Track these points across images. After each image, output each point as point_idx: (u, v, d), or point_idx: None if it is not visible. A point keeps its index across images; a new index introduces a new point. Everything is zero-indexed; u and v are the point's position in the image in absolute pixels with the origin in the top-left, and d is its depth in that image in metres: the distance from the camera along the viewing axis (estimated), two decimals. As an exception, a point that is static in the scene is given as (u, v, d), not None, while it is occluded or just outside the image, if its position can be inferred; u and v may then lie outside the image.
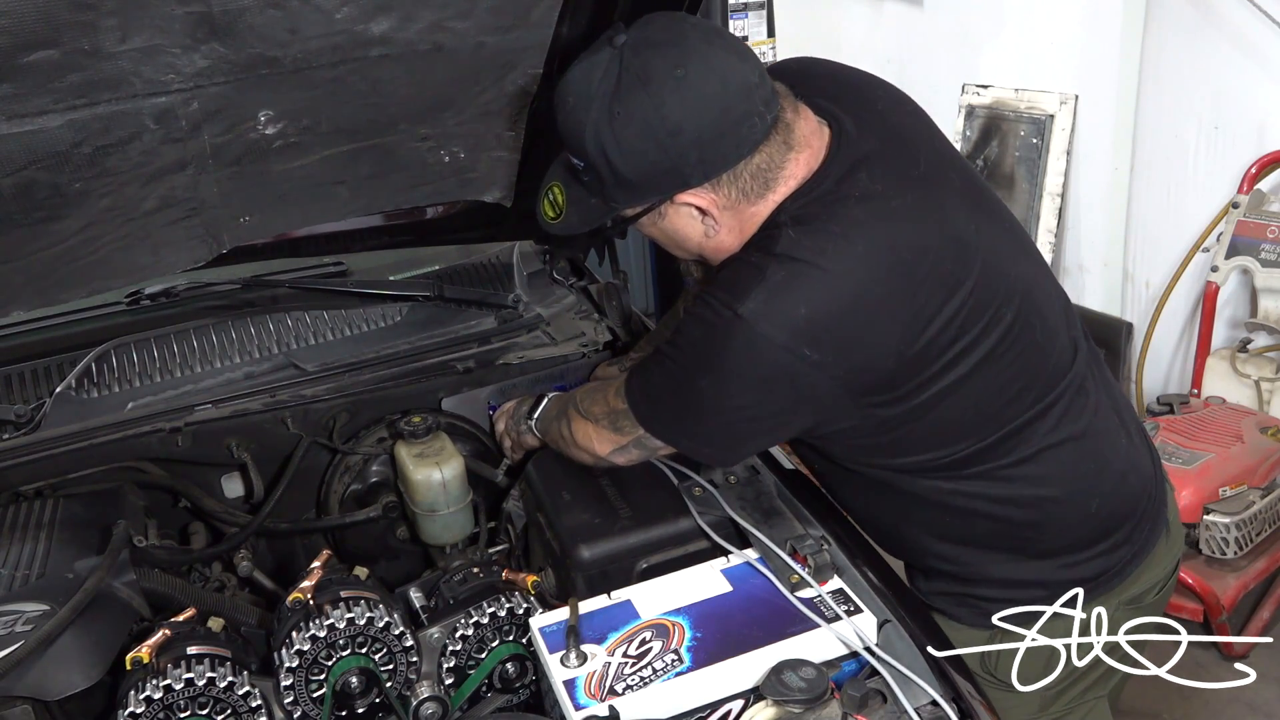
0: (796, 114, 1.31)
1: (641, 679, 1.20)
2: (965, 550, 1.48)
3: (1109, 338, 3.66)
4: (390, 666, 1.34)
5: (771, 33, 4.79)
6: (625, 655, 1.23)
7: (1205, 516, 2.80)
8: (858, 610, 1.30)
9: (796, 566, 1.34)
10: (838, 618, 1.27)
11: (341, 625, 1.30)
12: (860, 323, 1.25)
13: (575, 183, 1.35)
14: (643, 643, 1.25)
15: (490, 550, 1.76)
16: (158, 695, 1.21)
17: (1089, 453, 1.42)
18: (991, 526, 1.44)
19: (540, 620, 1.31)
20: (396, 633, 1.33)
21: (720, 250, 1.36)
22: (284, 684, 1.29)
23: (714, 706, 1.21)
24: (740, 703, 1.21)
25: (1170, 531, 1.55)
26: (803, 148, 1.29)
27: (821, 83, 1.41)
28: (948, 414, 1.32)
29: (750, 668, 1.21)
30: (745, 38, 4.74)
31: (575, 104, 1.26)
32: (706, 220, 1.32)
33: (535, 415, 1.70)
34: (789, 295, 1.24)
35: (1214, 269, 3.32)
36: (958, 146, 4.04)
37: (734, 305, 1.24)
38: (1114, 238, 3.77)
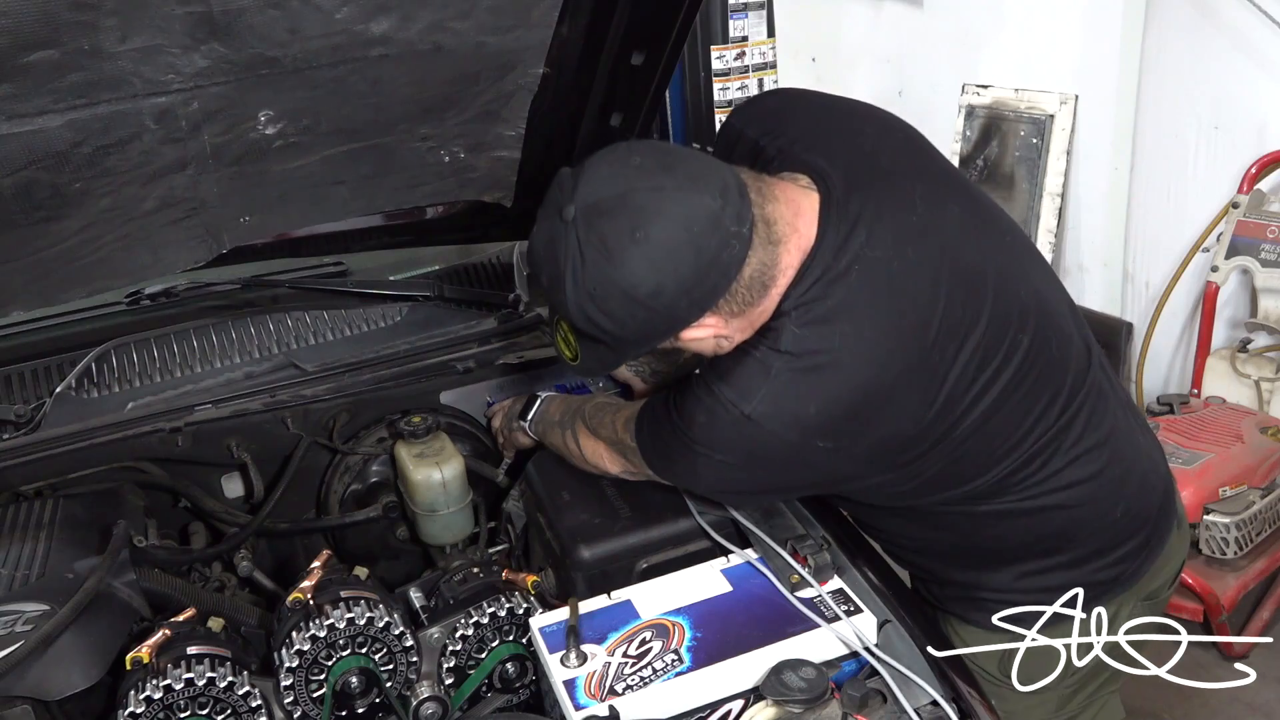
0: (774, 201, 1.24)
1: (641, 679, 1.20)
2: (992, 563, 1.47)
3: (1109, 338, 3.65)
4: (390, 666, 1.34)
5: (771, 33, 4.79)
6: (625, 655, 1.23)
7: (1205, 516, 2.80)
8: (858, 610, 1.30)
9: (797, 566, 1.34)
10: (838, 618, 1.27)
11: (341, 625, 1.30)
12: (875, 408, 1.24)
13: (583, 335, 1.29)
14: (643, 643, 1.25)
15: (490, 550, 1.76)
16: (158, 695, 1.21)
17: (1114, 457, 1.41)
18: (1020, 540, 1.43)
19: (540, 620, 1.31)
20: (396, 633, 1.33)
21: (732, 347, 1.32)
22: (284, 684, 1.29)
23: (714, 706, 1.21)
24: (740, 703, 1.21)
25: (1180, 523, 1.56)
26: (789, 235, 1.23)
27: (803, 127, 1.37)
28: (975, 449, 1.31)
29: (750, 668, 1.21)
30: (745, 38, 4.74)
31: (550, 283, 1.23)
32: (718, 338, 1.29)
33: (529, 416, 1.70)
34: (797, 395, 1.22)
35: (1214, 269, 3.32)
36: (957, 147, 4.04)
37: (740, 405, 1.23)
38: (1114, 238, 3.77)
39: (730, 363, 1.27)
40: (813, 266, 1.24)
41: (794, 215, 1.25)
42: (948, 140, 4.06)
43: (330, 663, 1.31)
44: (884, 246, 1.24)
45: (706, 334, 1.27)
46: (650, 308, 1.19)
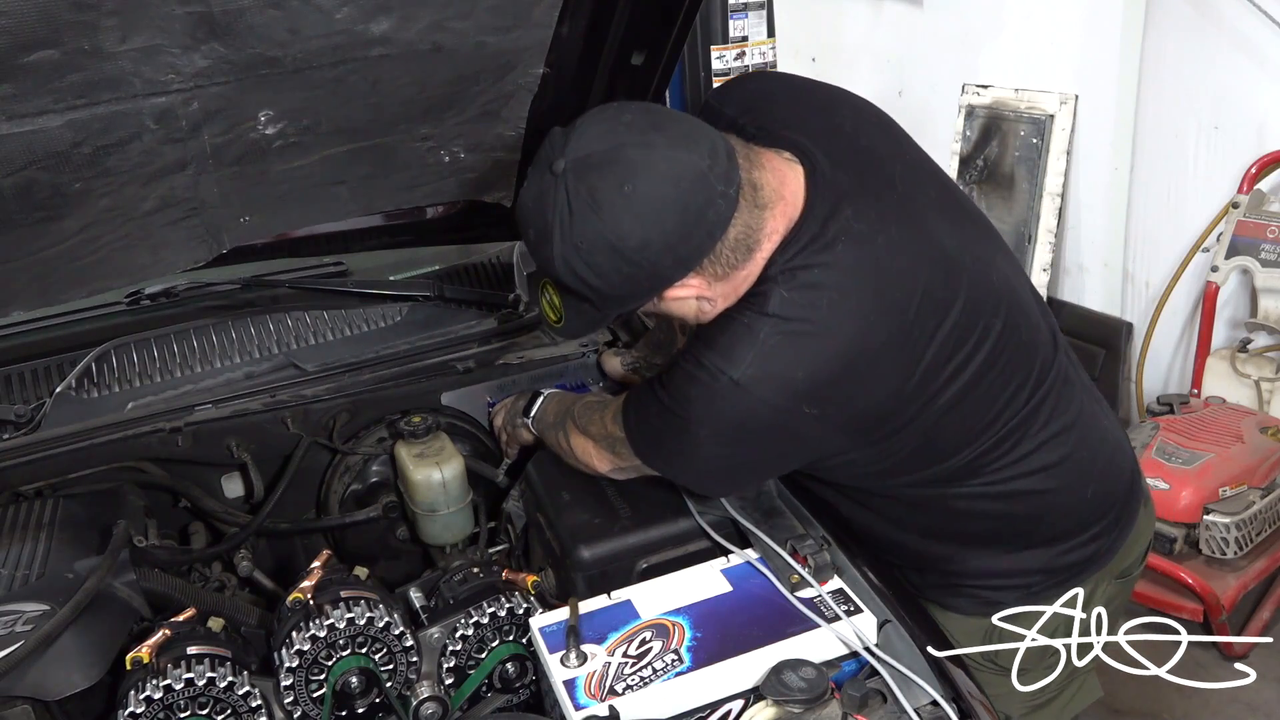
0: (761, 168, 1.26)
1: (641, 679, 1.20)
2: (965, 548, 1.49)
3: (1109, 338, 3.66)
4: (390, 666, 1.34)
5: (771, 33, 4.79)
6: (625, 655, 1.23)
7: (1205, 516, 2.80)
8: (858, 610, 1.30)
9: (796, 566, 1.34)
10: (838, 618, 1.27)
11: (341, 625, 1.30)
12: (859, 376, 1.25)
13: (567, 292, 1.31)
14: (643, 643, 1.25)
15: (490, 550, 1.76)
16: (158, 695, 1.21)
17: (1082, 439, 1.44)
18: (993, 524, 1.45)
19: (540, 620, 1.31)
20: (396, 633, 1.33)
21: (716, 314, 1.33)
22: (284, 684, 1.29)
23: (714, 706, 1.21)
24: (740, 703, 1.21)
25: (1147, 502, 1.60)
26: (775, 201, 1.26)
27: (782, 108, 1.39)
28: (948, 428, 1.33)
29: (750, 668, 1.21)
30: (745, 38, 4.74)
31: (537, 237, 1.24)
32: (700, 300, 1.30)
33: (531, 413, 1.70)
34: (784, 359, 1.23)
35: (1214, 269, 3.32)
36: (957, 147, 4.04)
37: (728, 370, 1.24)
38: (1114, 238, 3.77)
39: (715, 330, 1.29)
40: (800, 235, 1.26)
41: (779, 184, 1.27)
42: (948, 140, 4.06)
43: (330, 663, 1.31)
44: (868, 221, 1.26)
45: (689, 294, 1.28)
46: (635, 263, 1.21)
